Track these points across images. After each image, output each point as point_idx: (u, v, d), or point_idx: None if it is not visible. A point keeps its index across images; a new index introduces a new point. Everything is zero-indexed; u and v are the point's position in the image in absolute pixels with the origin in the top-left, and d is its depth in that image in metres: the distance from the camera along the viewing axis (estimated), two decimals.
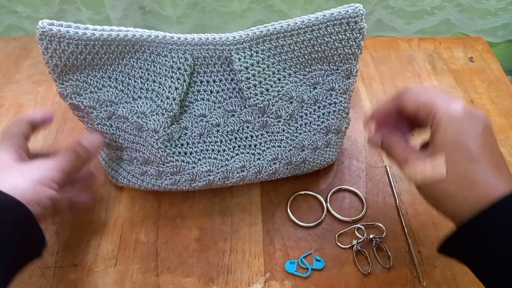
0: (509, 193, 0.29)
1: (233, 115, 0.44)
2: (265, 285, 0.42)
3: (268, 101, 0.43)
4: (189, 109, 0.44)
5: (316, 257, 0.43)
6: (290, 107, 0.44)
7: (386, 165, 0.52)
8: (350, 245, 0.44)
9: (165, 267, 0.43)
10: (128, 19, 0.90)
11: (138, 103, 0.43)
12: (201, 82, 0.44)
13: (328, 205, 0.47)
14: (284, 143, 0.44)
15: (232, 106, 0.44)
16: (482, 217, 0.30)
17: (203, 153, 0.44)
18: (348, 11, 0.41)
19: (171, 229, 0.46)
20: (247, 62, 0.42)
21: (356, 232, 0.45)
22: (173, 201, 0.48)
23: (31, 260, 0.36)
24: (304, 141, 0.45)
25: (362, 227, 0.45)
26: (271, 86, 0.43)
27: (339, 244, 0.44)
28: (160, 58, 0.42)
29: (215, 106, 0.44)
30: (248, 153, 0.44)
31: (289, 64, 0.43)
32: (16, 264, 0.34)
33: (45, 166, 0.37)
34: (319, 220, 0.46)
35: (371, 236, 0.44)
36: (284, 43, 0.42)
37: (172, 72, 0.42)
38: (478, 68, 0.65)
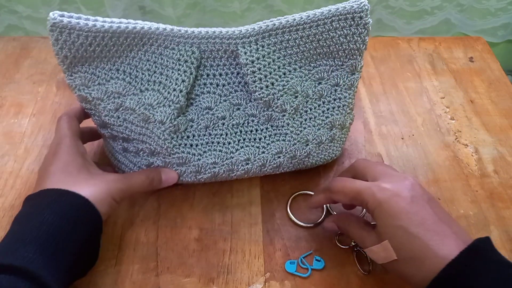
0: (451, 260, 0.31)
1: (238, 109, 0.44)
2: (265, 285, 0.42)
3: (273, 95, 0.43)
4: (195, 101, 0.44)
5: (316, 257, 0.43)
6: (295, 101, 0.44)
7: None
8: (350, 245, 0.44)
9: (165, 267, 0.43)
10: (128, 19, 0.90)
11: (146, 95, 0.43)
12: (208, 75, 0.44)
13: (328, 205, 0.47)
14: (289, 137, 0.44)
15: (237, 100, 0.44)
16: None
17: (209, 146, 0.44)
18: (353, 6, 0.41)
19: (171, 229, 0.46)
20: (253, 56, 0.42)
21: None
22: (173, 201, 0.48)
23: (76, 278, 0.38)
24: (308, 135, 0.45)
25: None
26: (276, 80, 0.43)
27: (339, 244, 0.44)
28: (167, 51, 0.42)
29: (221, 99, 0.44)
30: (253, 146, 0.44)
31: (294, 58, 0.43)
32: (70, 275, 0.36)
33: (120, 180, 0.40)
34: (319, 220, 0.46)
35: None
36: (290, 37, 0.42)
37: (179, 64, 0.42)
38: (478, 68, 0.65)
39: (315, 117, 0.45)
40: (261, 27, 0.42)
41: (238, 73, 0.44)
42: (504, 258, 0.32)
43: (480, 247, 0.32)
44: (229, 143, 0.44)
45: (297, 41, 0.42)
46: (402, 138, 0.55)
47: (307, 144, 0.45)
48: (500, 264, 0.31)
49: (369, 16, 0.42)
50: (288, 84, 0.43)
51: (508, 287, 0.29)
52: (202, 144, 0.44)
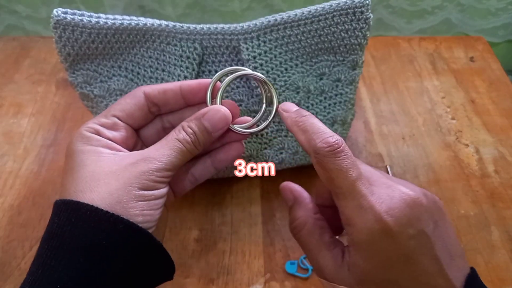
0: None
1: (240, 105, 0.44)
2: (265, 286, 0.41)
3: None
4: None
5: None
6: (296, 97, 0.44)
7: (387, 165, 0.52)
8: None
9: None
10: None
11: None
12: (210, 71, 0.44)
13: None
14: (291, 133, 0.44)
15: (239, 96, 0.44)
16: None
17: None
18: (354, 1, 0.41)
19: (170, 229, 0.46)
20: (254, 52, 0.42)
21: None
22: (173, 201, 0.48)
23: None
24: None
25: None
26: (278, 76, 0.43)
27: None
28: (169, 48, 0.42)
29: (223, 95, 0.44)
30: (255, 142, 0.44)
31: (296, 54, 0.43)
32: None
33: (145, 164, 0.28)
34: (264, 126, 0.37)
35: None
36: (291, 33, 0.42)
37: (181, 61, 0.42)
38: (479, 68, 0.65)
39: (316, 113, 0.45)
40: (263, 23, 0.42)
41: None
42: None
43: (475, 277, 0.27)
44: None
45: (299, 37, 0.42)
46: (403, 138, 0.55)
47: None
48: None
49: (370, 10, 0.42)
50: (289, 79, 0.43)
51: None
52: None
